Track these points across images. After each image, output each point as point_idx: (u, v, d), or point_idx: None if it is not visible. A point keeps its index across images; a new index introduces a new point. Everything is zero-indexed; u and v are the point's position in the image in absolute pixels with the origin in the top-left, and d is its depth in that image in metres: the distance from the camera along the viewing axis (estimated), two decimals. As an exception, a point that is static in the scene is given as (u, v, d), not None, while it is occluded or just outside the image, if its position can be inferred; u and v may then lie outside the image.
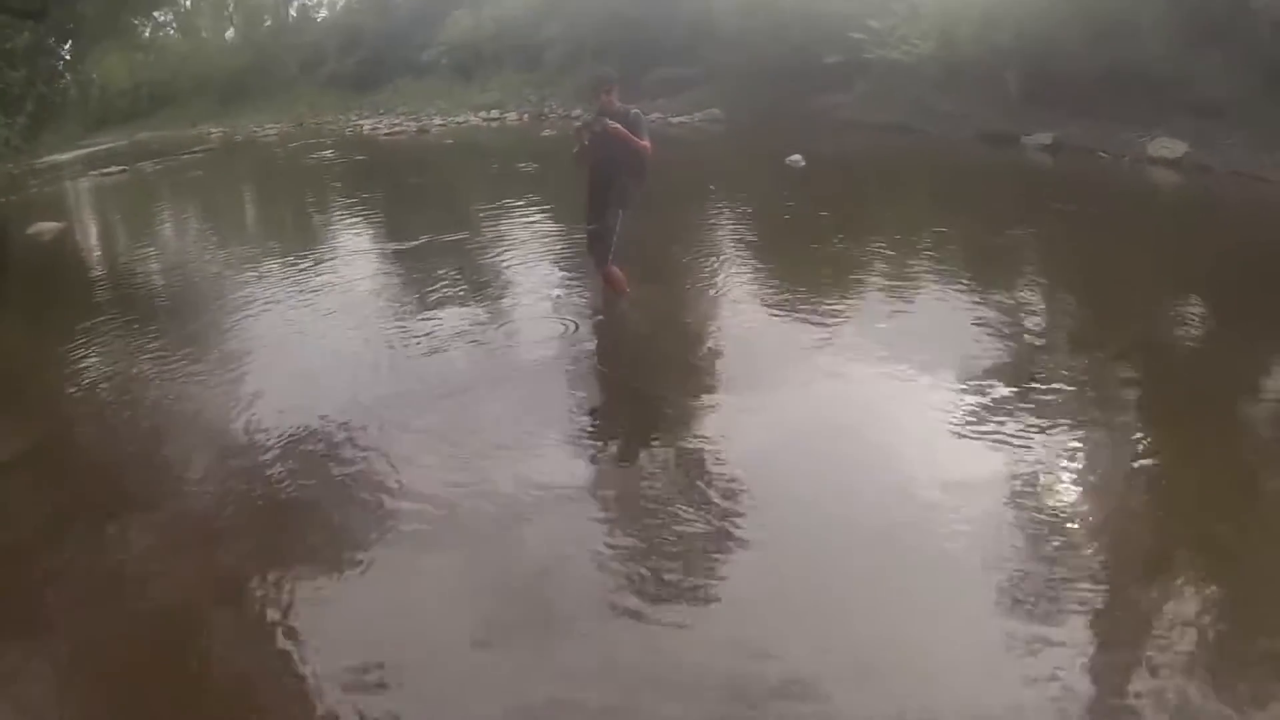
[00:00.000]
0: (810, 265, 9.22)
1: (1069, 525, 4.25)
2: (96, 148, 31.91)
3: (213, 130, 37.11)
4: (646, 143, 7.25)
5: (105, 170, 23.88)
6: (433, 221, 12.19)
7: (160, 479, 5.29)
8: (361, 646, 3.66)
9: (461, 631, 3.75)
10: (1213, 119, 14.29)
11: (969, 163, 15.99)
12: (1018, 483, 4.55)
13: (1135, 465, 4.81)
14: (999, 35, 17.17)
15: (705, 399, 5.86)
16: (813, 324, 7.18)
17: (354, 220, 13.85)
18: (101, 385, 6.99)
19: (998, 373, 5.90)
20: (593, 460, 5.20)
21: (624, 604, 3.85)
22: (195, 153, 27.58)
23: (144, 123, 42.52)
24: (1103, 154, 15.12)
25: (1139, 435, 5.19)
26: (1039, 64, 16.52)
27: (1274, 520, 4.35)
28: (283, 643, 3.72)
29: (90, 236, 14.98)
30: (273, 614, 3.88)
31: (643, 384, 6.26)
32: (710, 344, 6.97)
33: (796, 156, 15.43)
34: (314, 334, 7.76)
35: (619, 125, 7.11)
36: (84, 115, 34.57)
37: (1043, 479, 4.61)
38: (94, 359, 7.55)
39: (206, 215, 16.81)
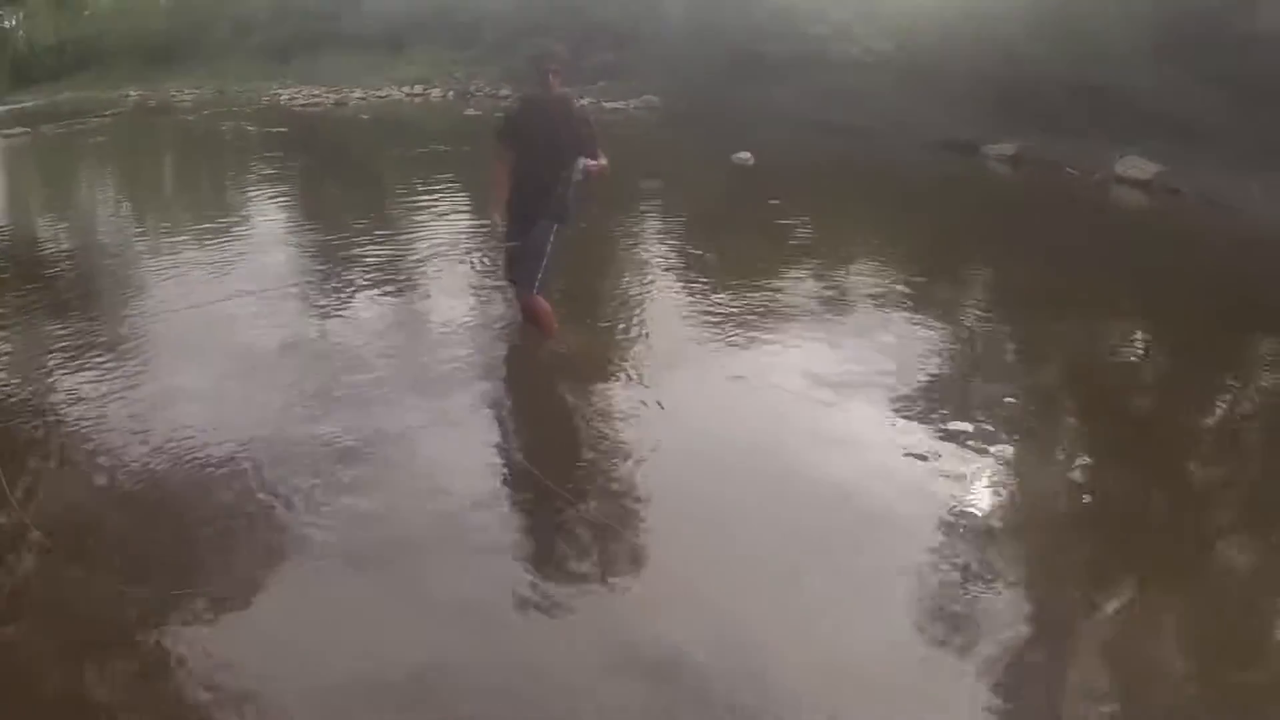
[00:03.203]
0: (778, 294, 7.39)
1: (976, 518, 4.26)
2: (14, 106, 28.70)
3: (131, 94, 33.91)
4: (604, 161, 5.62)
5: (7, 132, 21.37)
6: (318, 211, 10.62)
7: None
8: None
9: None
10: (1186, 141, 12.78)
11: (926, 170, 14.20)
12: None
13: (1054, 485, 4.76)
14: (963, 38, 15.44)
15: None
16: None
17: (235, 205, 11.74)
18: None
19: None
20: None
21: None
22: (105, 116, 24.58)
23: (69, 82, 38.89)
24: (1069, 170, 13.44)
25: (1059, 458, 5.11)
26: (1004, 71, 14.78)
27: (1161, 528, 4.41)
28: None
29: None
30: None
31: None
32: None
33: (745, 154, 13.53)
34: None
35: (600, 163, 5.58)
36: (5, 72, 31.50)
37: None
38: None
39: (90, 187, 14.72)
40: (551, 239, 5.64)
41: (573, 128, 5.53)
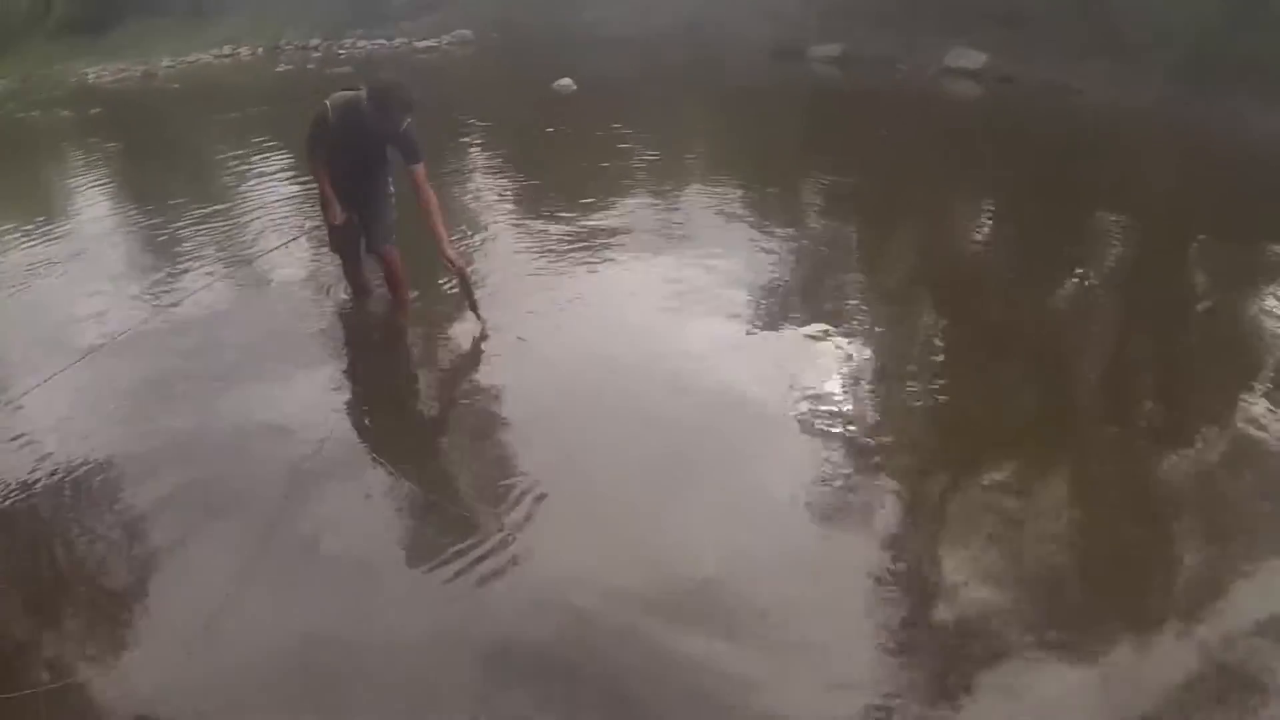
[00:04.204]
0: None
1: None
2: None
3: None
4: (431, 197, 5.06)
5: None
6: (141, 194, 9.46)
7: None
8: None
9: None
10: (1016, 30, 12.39)
11: (752, 79, 13.40)
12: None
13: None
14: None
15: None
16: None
17: (56, 198, 10.24)
18: None
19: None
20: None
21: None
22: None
23: None
24: (899, 66, 12.82)
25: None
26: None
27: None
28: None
29: None
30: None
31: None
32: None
33: (566, 80, 12.50)
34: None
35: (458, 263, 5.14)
36: None
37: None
38: None
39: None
40: (391, 188, 5.29)
41: (396, 144, 5.03)
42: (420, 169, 4.96)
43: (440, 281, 5.68)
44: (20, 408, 4.77)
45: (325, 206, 5.24)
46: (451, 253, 5.07)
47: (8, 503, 4.05)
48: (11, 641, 3.29)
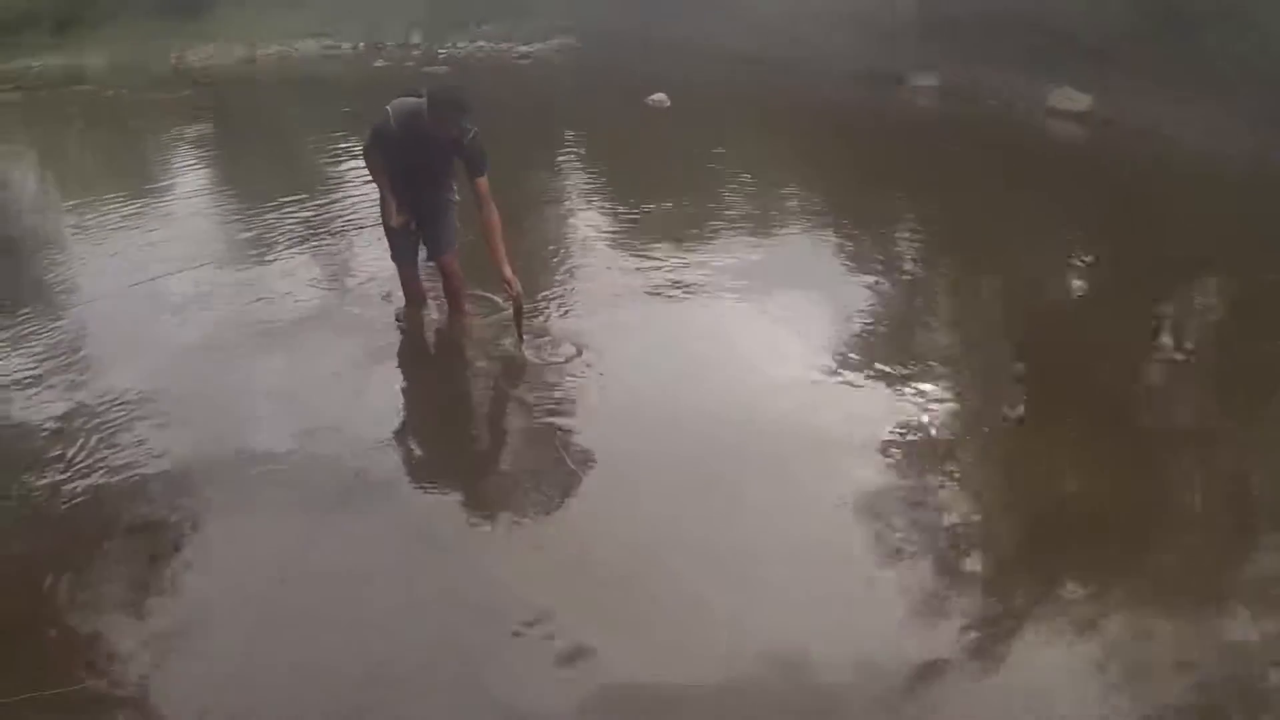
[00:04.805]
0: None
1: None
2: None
3: (34, 65, 31.60)
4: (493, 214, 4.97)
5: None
6: (228, 181, 9.84)
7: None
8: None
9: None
10: (1121, 71, 12.01)
11: (849, 103, 13.23)
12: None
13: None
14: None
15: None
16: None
17: (149, 177, 10.44)
18: None
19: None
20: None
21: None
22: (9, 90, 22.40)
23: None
24: (999, 102, 12.59)
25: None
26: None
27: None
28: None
29: None
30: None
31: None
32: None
33: (660, 95, 12.47)
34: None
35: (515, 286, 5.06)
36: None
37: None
38: None
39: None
40: (455, 197, 5.28)
41: (460, 155, 4.97)
42: (483, 182, 4.86)
43: (500, 299, 5.65)
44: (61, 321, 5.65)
45: (384, 207, 5.22)
46: (510, 274, 4.98)
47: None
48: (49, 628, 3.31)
